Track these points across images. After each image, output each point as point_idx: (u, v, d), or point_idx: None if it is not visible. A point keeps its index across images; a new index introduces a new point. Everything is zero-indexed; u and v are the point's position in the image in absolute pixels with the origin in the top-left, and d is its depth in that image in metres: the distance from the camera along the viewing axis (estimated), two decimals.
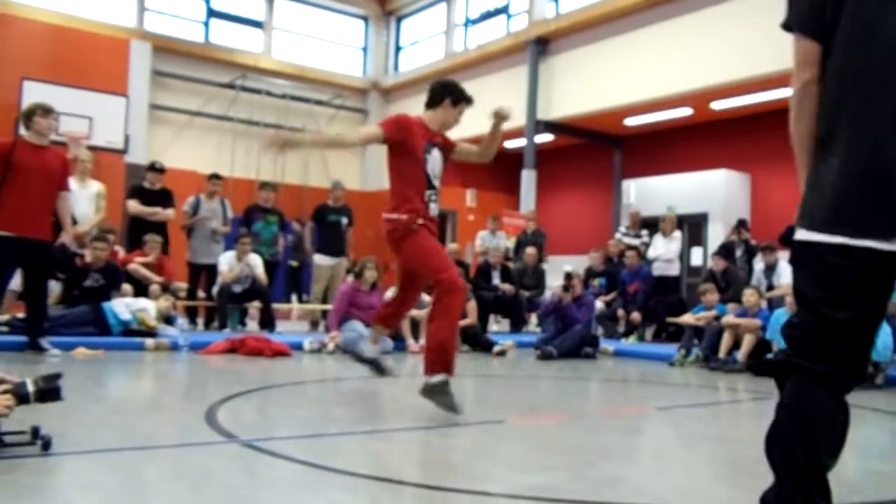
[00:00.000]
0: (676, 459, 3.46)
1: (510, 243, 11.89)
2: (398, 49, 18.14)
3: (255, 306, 9.16)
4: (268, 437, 3.41)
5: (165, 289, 8.08)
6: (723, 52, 10.93)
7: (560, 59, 13.71)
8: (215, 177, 9.55)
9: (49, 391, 2.84)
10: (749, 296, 7.52)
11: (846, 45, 1.74)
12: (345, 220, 9.86)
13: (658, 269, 10.27)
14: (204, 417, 3.65)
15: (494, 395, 5.50)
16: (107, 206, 8.34)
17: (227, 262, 8.71)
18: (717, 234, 11.98)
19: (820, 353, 1.75)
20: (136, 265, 8.15)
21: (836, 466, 1.77)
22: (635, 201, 13.21)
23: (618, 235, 11.52)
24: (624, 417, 4.53)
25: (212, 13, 15.86)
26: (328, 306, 8.90)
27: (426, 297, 8.17)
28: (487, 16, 15.85)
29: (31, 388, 2.80)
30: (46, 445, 2.71)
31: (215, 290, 8.79)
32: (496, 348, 8.14)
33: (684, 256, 11.77)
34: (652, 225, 11.12)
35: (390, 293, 6.04)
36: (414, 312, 8.13)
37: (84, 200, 7.87)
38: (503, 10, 15.46)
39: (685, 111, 12.65)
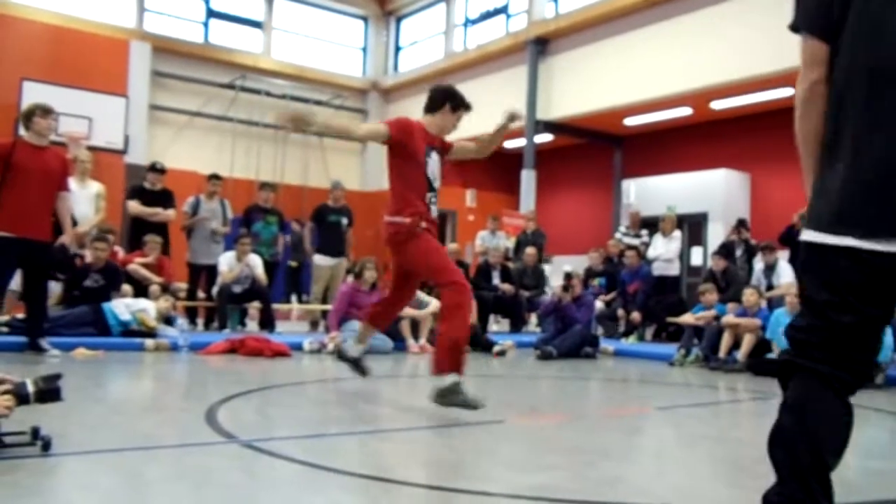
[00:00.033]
0: (676, 459, 3.46)
1: (510, 243, 11.89)
2: (398, 49, 18.14)
3: (254, 307, 9.15)
4: (268, 437, 3.41)
5: (165, 289, 8.08)
6: (722, 51, 10.93)
7: (559, 59, 13.72)
8: (215, 177, 9.54)
9: (49, 392, 2.84)
10: (749, 295, 7.52)
11: (854, 43, 1.72)
12: (345, 221, 9.86)
13: (658, 269, 10.27)
14: (204, 418, 3.65)
15: (494, 395, 5.48)
16: (106, 206, 8.34)
17: (226, 263, 8.70)
18: (716, 234, 11.99)
19: (824, 354, 1.74)
20: (136, 266, 8.15)
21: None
22: (635, 201, 13.21)
23: (618, 235, 11.52)
24: (624, 417, 4.53)
25: (211, 13, 15.87)
26: (328, 306, 8.90)
27: (425, 298, 8.21)
28: (487, 16, 15.85)
29: (31, 388, 2.80)
30: (46, 446, 2.71)
31: (215, 290, 8.79)
32: (496, 348, 8.14)
33: (684, 256, 11.77)
34: (652, 225, 11.12)
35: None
36: (414, 312, 8.14)
37: (83, 201, 7.86)
38: (503, 10, 15.46)
39: (685, 111, 12.65)
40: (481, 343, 8.33)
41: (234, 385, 5.00)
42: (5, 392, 2.73)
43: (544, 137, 14.14)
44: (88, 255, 7.38)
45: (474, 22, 16.18)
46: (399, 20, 18.19)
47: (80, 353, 6.25)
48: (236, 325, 9.00)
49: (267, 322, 8.82)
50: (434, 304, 7.86)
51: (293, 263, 10.80)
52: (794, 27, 1.83)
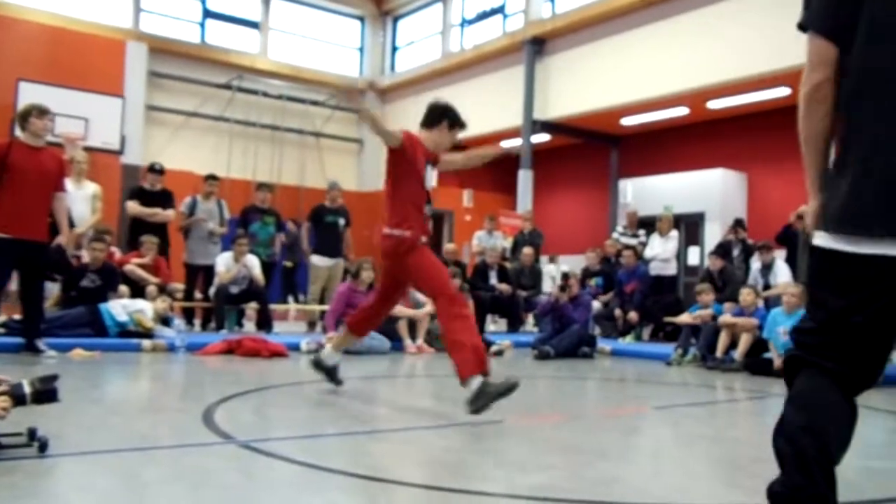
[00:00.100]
0: (674, 459, 3.46)
1: (507, 243, 11.90)
2: (394, 49, 18.14)
3: (252, 307, 9.14)
4: (265, 437, 3.40)
5: (162, 290, 8.07)
6: (719, 51, 10.94)
7: (556, 58, 13.72)
8: (212, 178, 9.53)
9: (46, 392, 2.83)
10: (746, 295, 7.53)
11: (863, 44, 1.71)
12: (342, 221, 9.86)
13: (655, 269, 10.28)
14: (201, 418, 3.64)
15: None
16: (103, 206, 8.32)
17: (224, 263, 8.70)
18: (713, 234, 12.00)
19: (832, 354, 1.75)
20: (133, 266, 8.14)
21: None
22: (632, 201, 13.23)
23: (615, 235, 11.53)
24: (621, 417, 4.54)
25: (208, 14, 15.85)
26: (325, 307, 8.90)
27: (423, 298, 8.21)
28: (483, 16, 15.85)
29: (27, 389, 2.79)
30: (43, 447, 2.71)
31: (212, 291, 8.78)
32: (493, 348, 8.13)
33: (681, 256, 11.79)
34: (649, 224, 11.13)
35: None
36: (411, 312, 8.14)
37: (80, 201, 7.85)
38: (499, 10, 15.47)
39: (682, 111, 12.66)
40: None
41: (232, 385, 5.00)
42: (2, 393, 2.72)
43: (541, 137, 14.14)
44: (85, 256, 7.36)
45: (471, 22, 16.19)
46: (396, 20, 18.19)
47: (76, 354, 6.24)
48: (233, 325, 8.99)
49: (264, 322, 8.82)
50: (431, 304, 7.86)
51: (288, 264, 10.79)
52: (803, 26, 1.82)
